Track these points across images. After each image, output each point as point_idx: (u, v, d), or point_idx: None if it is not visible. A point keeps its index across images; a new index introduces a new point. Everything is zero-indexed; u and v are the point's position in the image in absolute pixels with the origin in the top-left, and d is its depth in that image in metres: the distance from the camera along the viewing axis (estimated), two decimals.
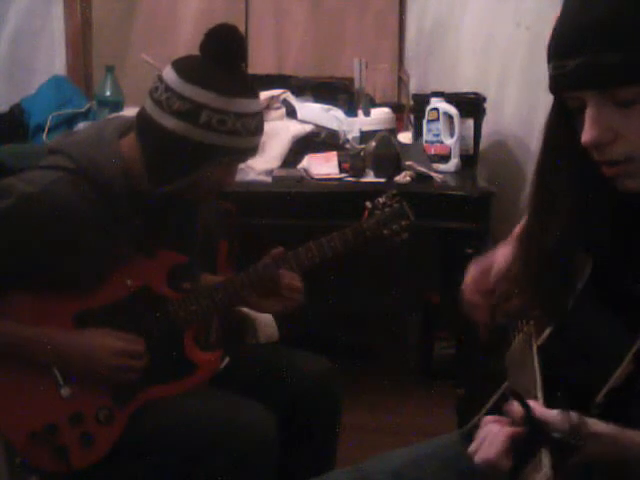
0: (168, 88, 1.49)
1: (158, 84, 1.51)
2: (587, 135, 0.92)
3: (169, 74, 1.50)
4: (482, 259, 1.33)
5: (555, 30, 0.96)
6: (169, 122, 1.49)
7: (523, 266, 1.09)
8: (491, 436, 0.88)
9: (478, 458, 0.89)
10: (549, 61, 0.96)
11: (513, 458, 0.85)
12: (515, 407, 0.88)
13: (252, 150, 1.58)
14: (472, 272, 1.32)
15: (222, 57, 1.49)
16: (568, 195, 1.00)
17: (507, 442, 0.87)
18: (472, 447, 0.92)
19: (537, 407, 0.89)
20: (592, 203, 0.99)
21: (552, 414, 0.87)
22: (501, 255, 1.30)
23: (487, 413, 1.07)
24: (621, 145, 0.92)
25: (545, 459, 0.80)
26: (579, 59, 0.90)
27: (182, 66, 1.51)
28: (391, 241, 1.75)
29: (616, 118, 0.91)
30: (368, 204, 1.76)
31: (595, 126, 0.92)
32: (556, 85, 0.96)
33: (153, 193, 1.56)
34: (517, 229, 1.32)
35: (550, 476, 0.78)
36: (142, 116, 1.54)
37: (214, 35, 1.50)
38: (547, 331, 1.07)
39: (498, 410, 0.96)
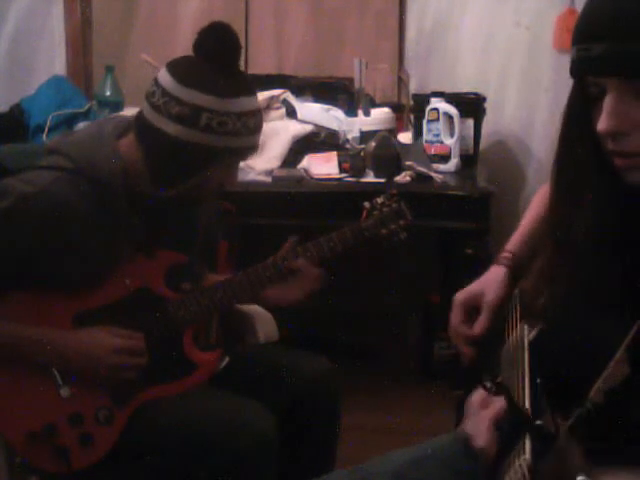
0: (165, 92, 1.48)
1: (154, 88, 1.50)
2: (604, 123, 0.90)
3: (165, 77, 1.50)
4: (465, 292, 1.31)
5: (583, 12, 0.93)
6: (169, 127, 1.48)
7: (550, 259, 1.06)
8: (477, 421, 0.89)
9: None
10: (574, 44, 0.93)
11: (498, 444, 0.86)
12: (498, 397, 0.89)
13: (253, 148, 1.58)
14: (456, 311, 1.30)
15: (217, 57, 1.49)
16: (584, 183, 0.98)
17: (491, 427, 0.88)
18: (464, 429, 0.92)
19: (519, 396, 0.90)
20: (606, 193, 0.97)
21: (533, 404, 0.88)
22: (492, 283, 1.29)
23: None
24: (637, 137, 0.90)
25: (527, 445, 0.81)
26: (606, 44, 0.88)
27: (177, 69, 1.50)
28: (389, 241, 1.76)
29: (635, 109, 0.89)
30: (366, 204, 1.76)
31: (613, 115, 0.90)
32: (579, 69, 0.93)
33: (155, 194, 1.56)
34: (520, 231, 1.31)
35: (530, 462, 0.78)
36: (141, 120, 1.53)
37: (207, 34, 1.50)
38: (539, 327, 1.07)
39: None
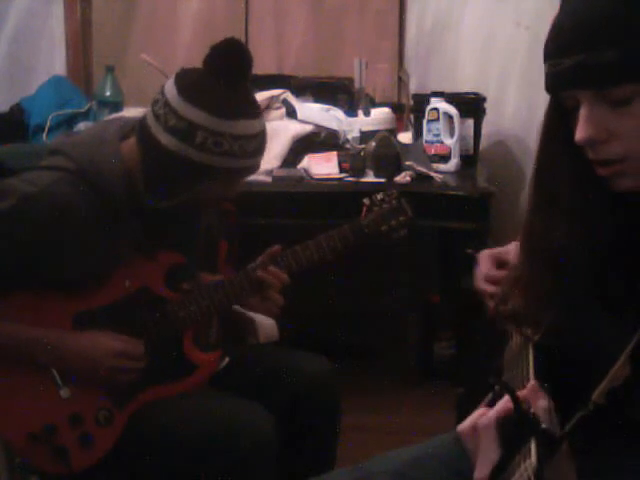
0: (167, 103, 1.48)
1: (159, 96, 1.50)
2: (580, 134, 0.92)
3: (170, 88, 1.49)
4: (492, 250, 1.32)
5: (552, 29, 0.96)
6: (165, 138, 1.48)
7: (526, 266, 1.08)
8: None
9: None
10: (545, 60, 0.96)
11: (502, 447, 0.85)
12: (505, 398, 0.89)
13: (251, 170, 1.58)
14: (484, 261, 1.31)
15: (224, 75, 1.47)
16: (567, 194, 1.00)
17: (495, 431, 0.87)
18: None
19: (525, 399, 0.89)
20: (591, 202, 0.99)
21: (540, 406, 0.87)
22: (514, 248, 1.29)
23: None
24: (615, 145, 0.92)
25: (533, 449, 0.80)
26: (574, 58, 0.90)
27: (183, 81, 1.49)
28: (390, 237, 1.75)
29: (610, 117, 0.91)
30: (366, 201, 1.76)
31: (588, 125, 0.91)
32: (552, 84, 0.95)
33: (149, 200, 1.56)
34: None
35: (535, 466, 0.78)
36: (143, 126, 1.53)
37: (219, 51, 1.48)
38: (545, 328, 1.07)
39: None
